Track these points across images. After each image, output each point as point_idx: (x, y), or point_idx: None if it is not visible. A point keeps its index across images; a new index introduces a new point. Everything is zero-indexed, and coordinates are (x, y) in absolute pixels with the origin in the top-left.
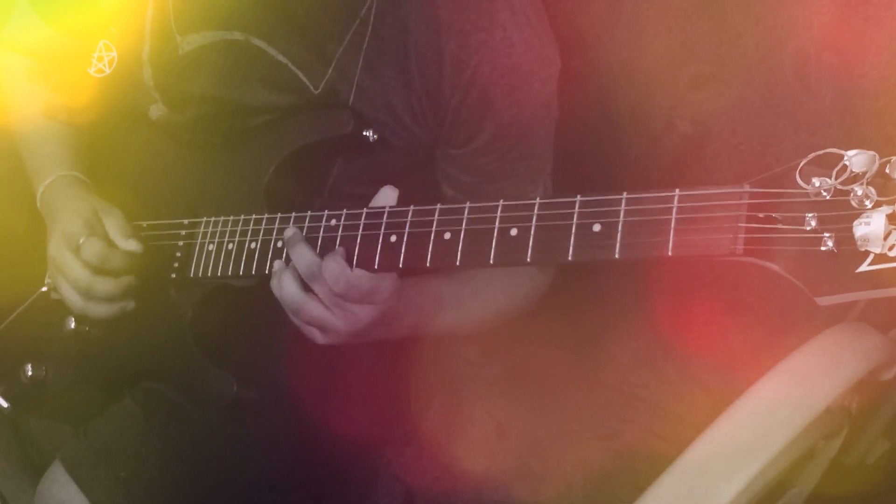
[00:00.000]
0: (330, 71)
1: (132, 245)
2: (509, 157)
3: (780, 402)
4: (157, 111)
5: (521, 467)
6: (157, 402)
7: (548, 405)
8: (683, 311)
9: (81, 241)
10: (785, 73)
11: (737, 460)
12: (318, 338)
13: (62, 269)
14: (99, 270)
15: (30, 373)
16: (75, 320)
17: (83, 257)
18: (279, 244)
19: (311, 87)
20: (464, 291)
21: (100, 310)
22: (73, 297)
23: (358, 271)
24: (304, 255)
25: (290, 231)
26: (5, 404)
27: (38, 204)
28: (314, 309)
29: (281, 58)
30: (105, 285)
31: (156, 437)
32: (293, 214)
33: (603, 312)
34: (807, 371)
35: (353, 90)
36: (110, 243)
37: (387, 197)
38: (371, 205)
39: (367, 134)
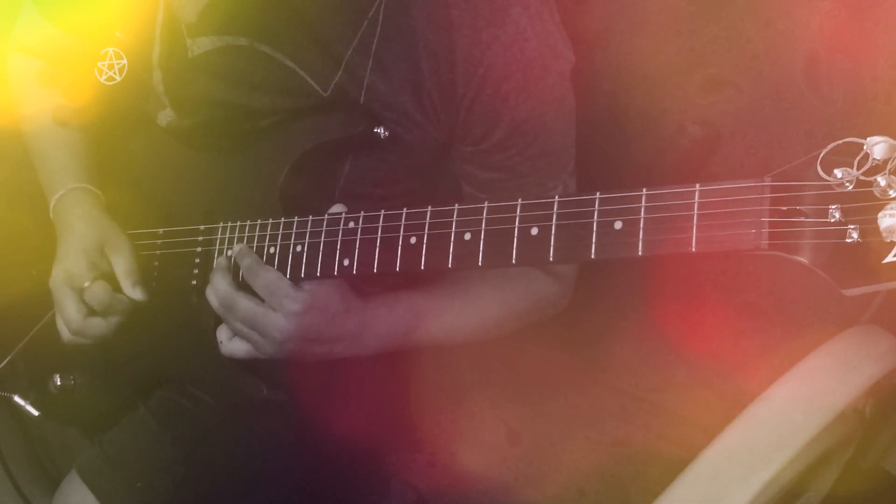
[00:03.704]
0: (340, 73)
1: (139, 295)
2: (527, 154)
3: (794, 407)
4: (165, 117)
5: (533, 473)
6: (171, 412)
7: (559, 410)
8: (695, 315)
9: (86, 284)
10: (795, 77)
11: (751, 465)
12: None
13: (59, 304)
14: (97, 314)
15: (59, 382)
16: None
17: (86, 300)
18: (298, 248)
19: (321, 91)
20: (444, 304)
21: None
22: (63, 330)
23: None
24: (220, 285)
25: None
26: (35, 413)
27: (51, 216)
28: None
29: (289, 63)
30: (97, 328)
31: (170, 446)
32: (310, 218)
33: (614, 317)
34: (821, 375)
35: (364, 91)
36: (115, 283)
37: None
38: None
39: (378, 131)
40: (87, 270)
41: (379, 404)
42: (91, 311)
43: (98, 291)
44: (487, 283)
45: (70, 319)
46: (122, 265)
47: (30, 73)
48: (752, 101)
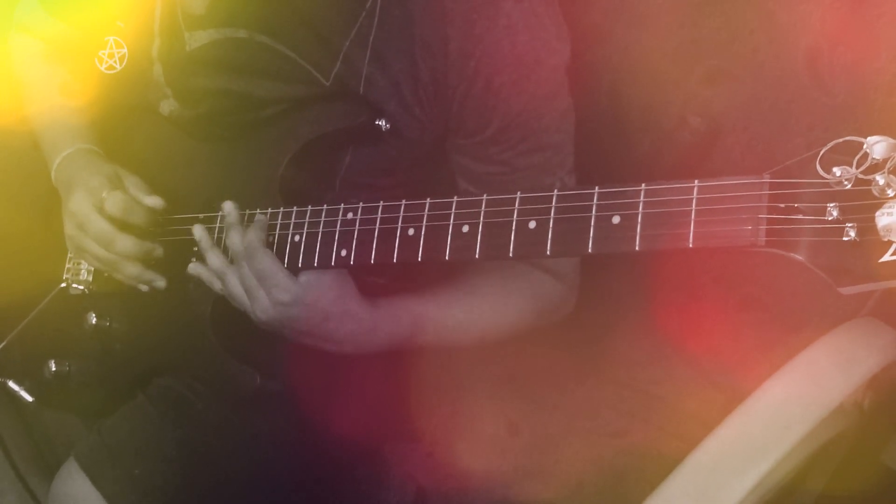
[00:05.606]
0: (338, 64)
1: (155, 201)
2: (521, 148)
3: (792, 400)
4: (168, 107)
5: (533, 465)
6: (170, 400)
7: (559, 403)
8: (695, 308)
9: (105, 194)
10: (797, 70)
11: (749, 457)
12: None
13: (84, 224)
14: (123, 225)
15: (53, 368)
16: (96, 315)
17: (108, 209)
18: (296, 238)
19: (322, 80)
20: (448, 313)
21: (129, 269)
22: (99, 252)
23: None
24: (235, 240)
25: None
26: (30, 399)
27: (53, 176)
28: (231, 281)
29: (289, 52)
30: (126, 241)
31: (169, 435)
32: (309, 208)
33: (614, 309)
34: (819, 368)
35: (362, 82)
36: (133, 199)
37: None
38: None
39: (380, 123)
40: (107, 183)
41: (379, 396)
42: (119, 224)
43: (118, 197)
44: (492, 287)
45: (99, 231)
46: (134, 184)
47: (34, 51)
48: (754, 94)
